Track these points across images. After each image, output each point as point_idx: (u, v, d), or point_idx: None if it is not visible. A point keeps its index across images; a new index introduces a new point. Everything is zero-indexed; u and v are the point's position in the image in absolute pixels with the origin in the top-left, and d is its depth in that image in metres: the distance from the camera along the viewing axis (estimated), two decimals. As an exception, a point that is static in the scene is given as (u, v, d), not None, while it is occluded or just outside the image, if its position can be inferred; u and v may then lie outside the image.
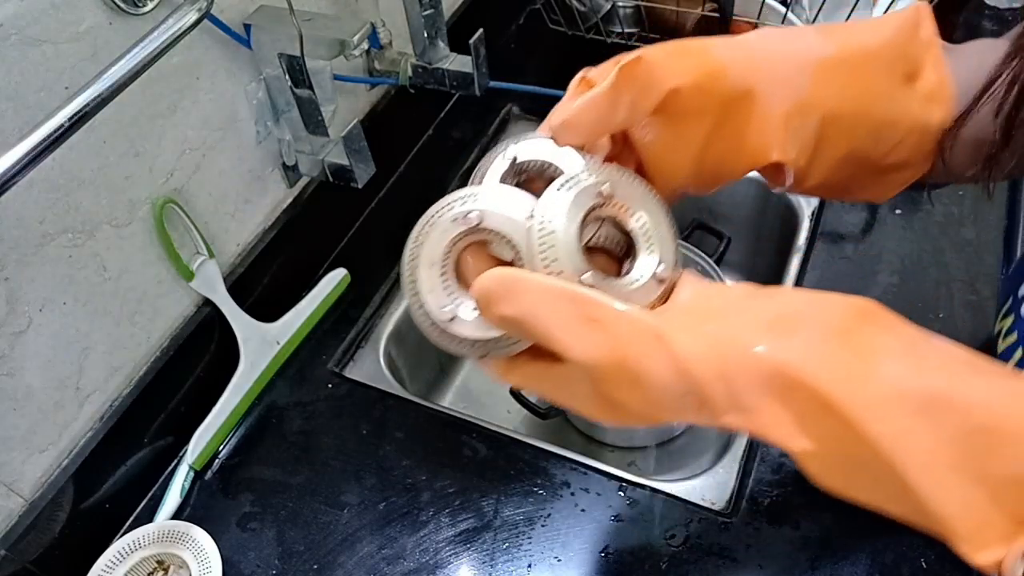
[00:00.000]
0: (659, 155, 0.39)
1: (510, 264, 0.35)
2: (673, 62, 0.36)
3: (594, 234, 0.36)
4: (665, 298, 0.34)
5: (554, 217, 0.34)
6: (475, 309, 0.34)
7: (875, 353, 0.29)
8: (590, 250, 0.36)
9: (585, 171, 0.35)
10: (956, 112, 0.41)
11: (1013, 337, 0.45)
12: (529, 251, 0.34)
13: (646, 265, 0.35)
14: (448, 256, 0.35)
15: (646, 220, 0.35)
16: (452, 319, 0.35)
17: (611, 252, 0.37)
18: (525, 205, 0.35)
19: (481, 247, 0.36)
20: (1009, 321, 0.46)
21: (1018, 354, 0.44)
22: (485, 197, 0.35)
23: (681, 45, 0.37)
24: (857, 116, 0.40)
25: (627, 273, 0.35)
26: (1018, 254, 0.78)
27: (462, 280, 0.36)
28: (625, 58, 0.35)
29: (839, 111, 0.39)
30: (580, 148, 0.37)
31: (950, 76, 0.41)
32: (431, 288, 0.35)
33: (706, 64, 0.37)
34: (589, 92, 0.35)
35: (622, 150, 0.40)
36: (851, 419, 0.28)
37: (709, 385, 0.30)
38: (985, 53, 0.45)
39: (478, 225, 0.35)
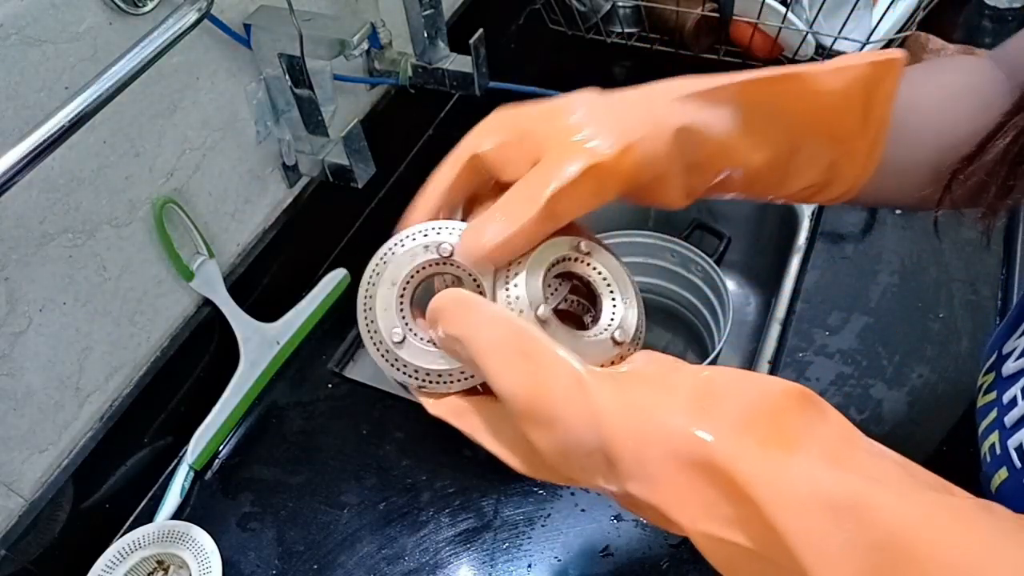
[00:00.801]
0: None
1: None
2: (591, 183, 0.34)
3: (565, 297, 0.36)
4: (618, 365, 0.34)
5: (526, 256, 0.34)
6: (424, 340, 0.34)
7: (798, 444, 0.28)
8: (560, 313, 0.36)
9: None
10: (877, 162, 0.40)
11: (992, 395, 0.44)
12: (494, 283, 0.34)
13: (605, 323, 0.35)
14: (410, 281, 0.35)
15: (614, 286, 0.35)
16: (401, 342, 0.34)
17: (579, 317, 0.37)
18: None
19: (453, 282, 0.36)
20: (991, 378, 0.45)
21: (993, 415, 0.43)
22: (461, 232, 0.35)
23: (599, 155, 0.34)
24: (757, 173, 0.39)
25: (588, 328, 0.35)
26: (1018, 257, 0.78)
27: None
28: (542, 184, 0.33)
29: (739, 169, 0.38)
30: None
31: (885, 133, 0.40)
32: (386, 307, 0.34)
33: (622, 173, 0.34)
34: (514, 224, 0.33)
35: None
36: (762, 509, 0.27)
37: (619, 445, 0.29)
38: (956, 77, 0.44)
39: (450, 257, 0.34)
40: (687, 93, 0.36)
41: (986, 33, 1.05)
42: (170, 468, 0.71)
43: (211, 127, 0.67)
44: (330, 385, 0.77)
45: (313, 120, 0.71)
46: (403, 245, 0.35)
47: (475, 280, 0.34)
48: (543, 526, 0.65)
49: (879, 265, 0.80)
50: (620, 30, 1.04)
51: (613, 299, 0.35)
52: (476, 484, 0.68)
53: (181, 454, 0.71)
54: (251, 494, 0.70)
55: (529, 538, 0.65)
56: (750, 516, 0.27)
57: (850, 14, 0.89)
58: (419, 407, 0.81)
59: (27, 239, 0.55)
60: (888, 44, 0.96)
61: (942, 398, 0.69)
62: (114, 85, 0.50)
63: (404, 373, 0.35)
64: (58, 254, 0.57)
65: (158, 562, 0.64)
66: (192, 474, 0.70)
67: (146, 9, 0.57)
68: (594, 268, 0.36)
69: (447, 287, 0.36)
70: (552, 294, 0.36)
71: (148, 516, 0.69)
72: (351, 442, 0.72)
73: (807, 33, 0.92)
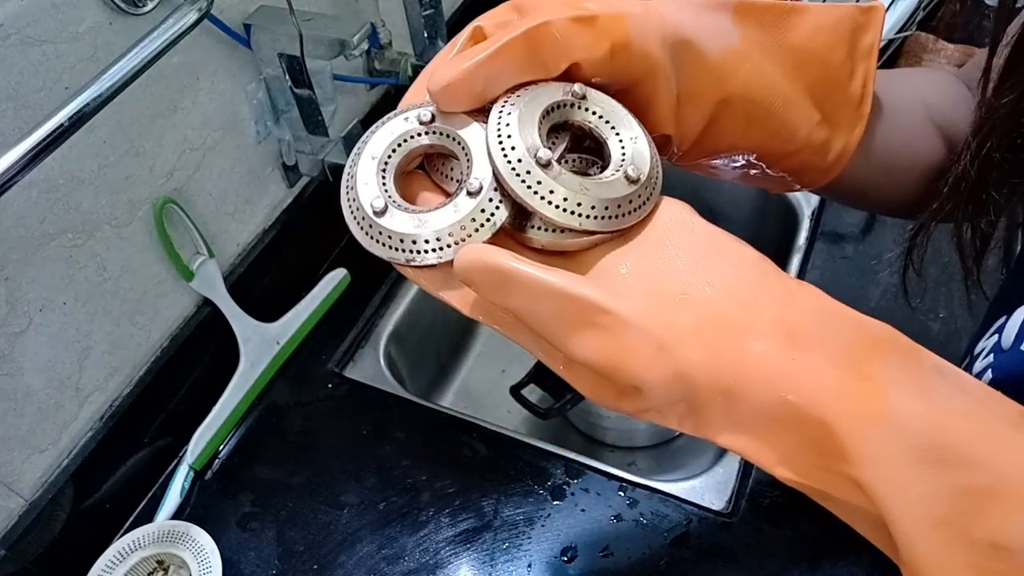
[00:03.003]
0: None
1: (454, 188, 0.34)
2: (580, 33, 0.33)
3: (565, 157, 0.34)
4: (639, 208, 0.32)
5: (516, 102, 0.32)
6: (406, 210, 0.32)
7: (889, 389, 0.28)
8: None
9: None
10: (862, 134, 0.40)
11: None
12: (487, 136, 0.32)
13: (616, 162, 0.33)
14: (392, 154, 0.34)
15: (617, 124, 0.33)
16: (382, 211, 0.32)
17: (584, 175, 0.35)
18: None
19: (425, 178, 0.35)
20: None
21: None
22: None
23: (590, 9, 0.33)
24: (751, 113, 0.38)
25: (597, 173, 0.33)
26: (1017, 254, 0.78)
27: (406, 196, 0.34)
28: (529, 21, 0.32)
29: (734, 104, 0.37)
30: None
31: (870, 96, 0.39)
32: (367, 180, 0.33)
33: (613, 35, 0.34)
34: (478, 54, 0.31)
35: None
36: (853, 460, 0.27)
37: (711, 399, 0.29)
38: (928, 86, 0.45)
39: (430, 123, 0.33)
40: None
41: (986, 33, 1.05)
42: (170, 468, 0.71)
43: (211, 127, 0.67)
44: (330, 385, 0.77)
45: (313, 120, 0.71)
46: (384, 122, 0.34)
47: (461, 145, 0.33)
48: (543, 526, 0.65)
49: (879, 265, 0.80)
50: (620, 30, 1.04)
51: (619, 137, 0.33)
52: (476, 484, 0.68)
53: (181, 454, 0.71)
54: (251, 494, 0.70)
55: (529, 538, 0.65)
56: (839, 463, 0.27)
57: (850, 14, 0.89)
58: (419, 407, 0.81)
59: (27, 239, 0.55)
60: (888, 44, 0.95)
61: (942, 398, 0.69)
62: (114, 85, 0.50)
63: (391, 244, 0.32)
64: (58, 254, 0.57)
65: (158, 562, 0.64)
66: (192, 474, 0.70)
67: (146, 9, 0.57)
68: (593, 112, 0.34)
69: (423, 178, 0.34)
70: (551, 146, 0.33)
71: (148, 516, 0.69)
72: (351, 442, 0.72)
73: (807, 33, 0.92)
